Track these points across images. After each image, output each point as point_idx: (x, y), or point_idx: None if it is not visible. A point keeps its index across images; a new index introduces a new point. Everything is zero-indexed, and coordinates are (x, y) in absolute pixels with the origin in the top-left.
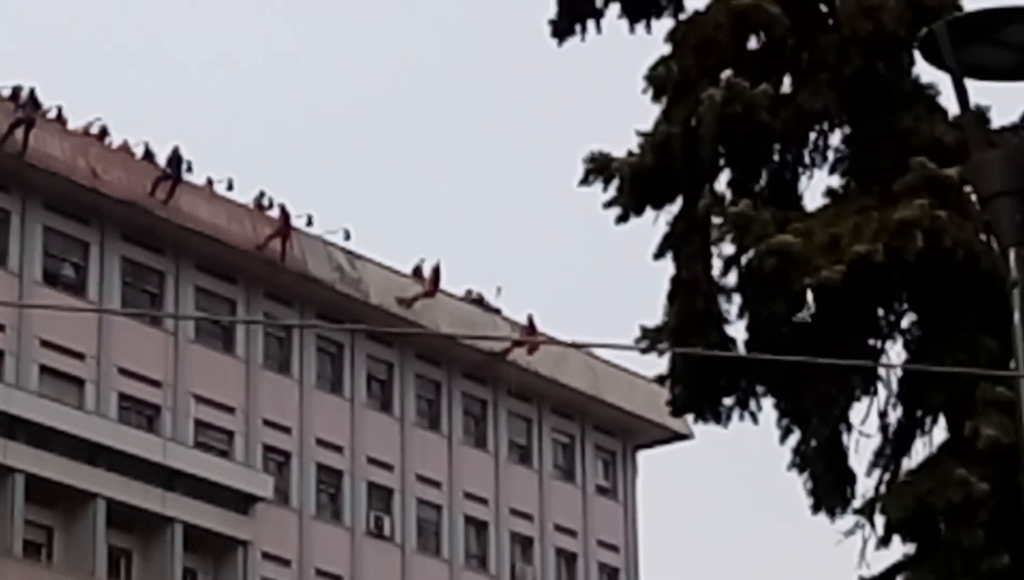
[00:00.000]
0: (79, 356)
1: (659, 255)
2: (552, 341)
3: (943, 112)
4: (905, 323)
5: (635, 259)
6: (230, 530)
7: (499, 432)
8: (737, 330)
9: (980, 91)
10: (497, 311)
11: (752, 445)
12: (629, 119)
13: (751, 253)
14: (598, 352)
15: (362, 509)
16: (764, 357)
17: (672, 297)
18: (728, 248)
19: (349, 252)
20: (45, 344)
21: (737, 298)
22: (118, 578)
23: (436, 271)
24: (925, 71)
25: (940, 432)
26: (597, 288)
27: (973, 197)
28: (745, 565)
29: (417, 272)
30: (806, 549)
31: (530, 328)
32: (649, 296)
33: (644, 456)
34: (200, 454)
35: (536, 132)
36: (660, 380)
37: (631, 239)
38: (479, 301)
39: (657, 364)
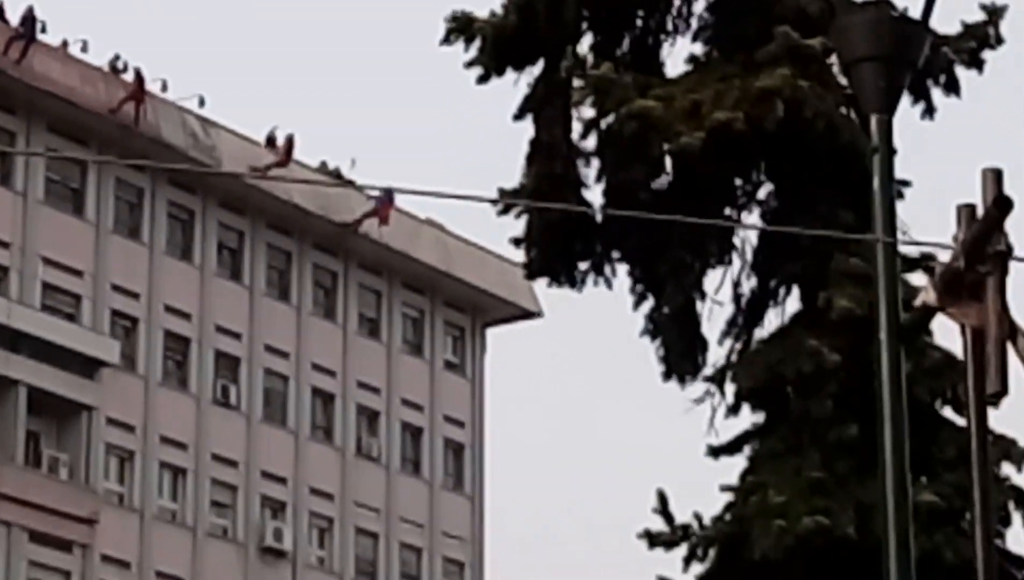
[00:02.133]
0: None
1: (519, 117)
2: (408, 192)
3: None
4: (762, 193)
5: (494, 125)
6: (75, 394)
7: (348, 305)
8: (595, 194)
9: None
10: (351, 182)
11: (601, 323)
12: None
13: (611, 117)
14: (451, 228)
15: (209, 377)
16: (620, 213)
17: (531, 159)
18: (588, 112)
19: (203, 119)
20: None
21: (596, 162)
22: None
23: (290, 141)
24: None
25: (793, 303)
26: (455, 159)
27: (835, 69)
28: (592, 440)
29: (271, 141)
30: (655, 423)
31: (386, 200)
32: (508, 166)
33: (493, 333)
34: (46, 317)
35: None
36: (516, 242)
37: (490, 105)
38: (334, 173)
39: (512, 249)
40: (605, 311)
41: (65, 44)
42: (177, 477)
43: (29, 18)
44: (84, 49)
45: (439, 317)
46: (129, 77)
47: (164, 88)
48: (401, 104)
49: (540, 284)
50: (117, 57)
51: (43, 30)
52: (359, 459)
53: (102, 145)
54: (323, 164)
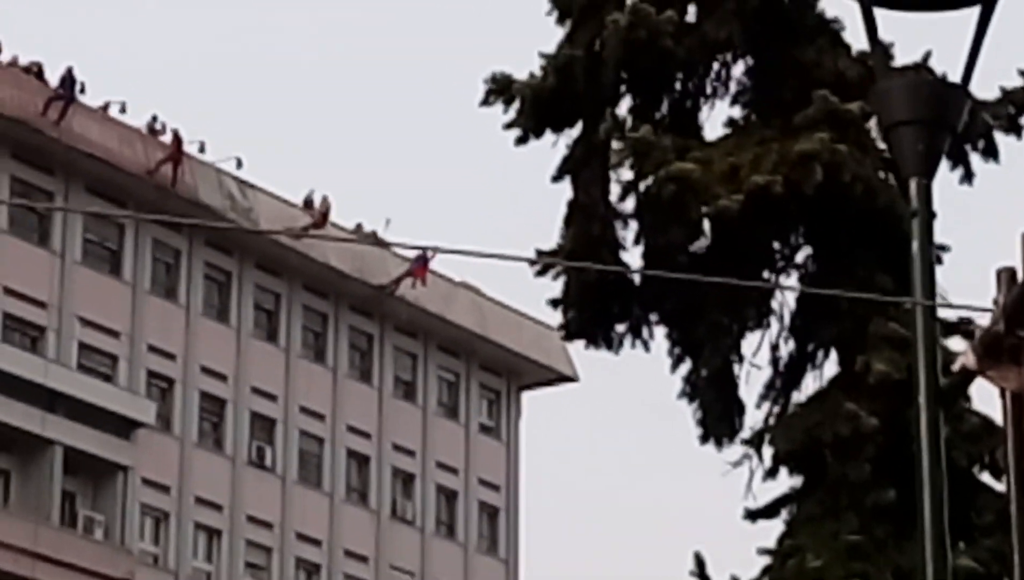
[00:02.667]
0: None
1: (557, 178)
2: (442, 250)
3: (846, 47)
4: (800, 257)
5: (532, 187)
6: (111, 454)
7: (384, 367)
8: (633, 257)
9: (884, 27)
10: (387, 245)
11: (637, 386)
12: (532, 41)
13: (650, 180)
14: (487, 291)
15: (244, 438)
16: (658, 273)
17: (568, 221)
18: (627, 174)
19: (241, 180)
20: None
21: (634, 225)
22: None
23: (326, 202)
24: (830, 4)
25: (831, 366)
26: (492, 220)
27: (874, 133)
28: (628, 503)
29: (308, 203)
30: (692, 486)
31: (422, 261)
32: (545, 229)
33: (528, 397)
34: (83, 377)
35: (436, 56)
36: (553, 304)
37: (529, 166)
38: (370, 236)
39: (548, 309)
40: (642, 374)
41: (105, 105)
42: (212, 538)
43: (68, 79)
44: (123, 110)
45: (475, 380)
46: (167, 139)
47: (202, 149)
48: (438, 165)
49: (576, 347)
50: (155, 119)
51: (82, 91)
52: (394, 522)
53: (139, 206)
54: (359, 226)
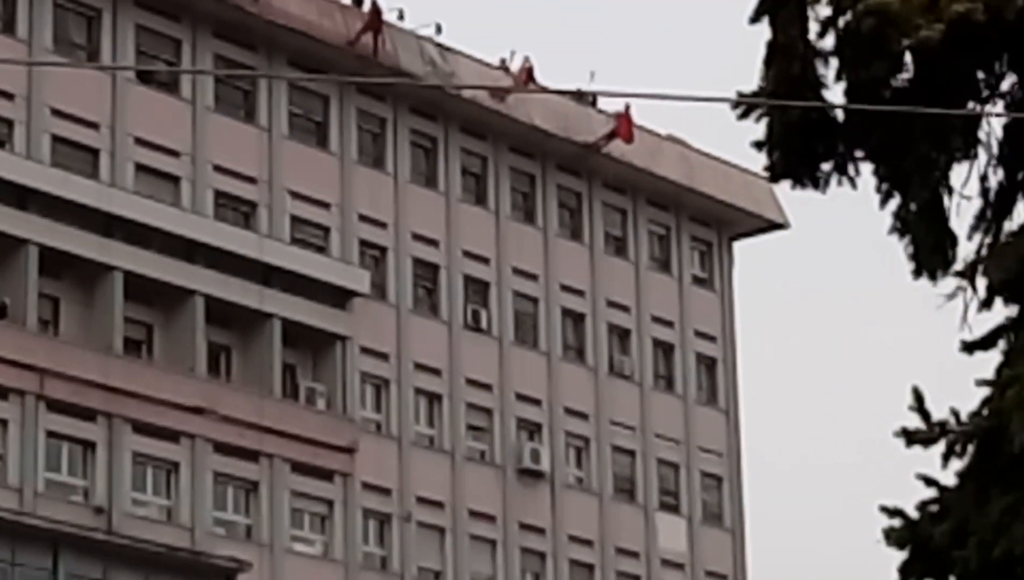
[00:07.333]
0: (174, 153)
1: (755, 19)
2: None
3: None
4: (1006, 85)
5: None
6: (328, 325)
7: (594, 224)
8: (835, 94)
9: None
10: (592, 102)
11: (846, 227)
12: None
13: (848, 15)
14: (693, 143)
15: (459, 303)
16: (862, 108)
17: (768, 62)
18: (824, 10)
19: (441, 45)
20: (140, 142)
21: (834, 62)
22: (217, 374)
23: (528, 63)
24: None
25: None
26: (693, 69)
27: None
28: (843, 344)
29: (506, 65)
30: (906, 322)
31: (626, 116)
32: (746, 72)
33: (740, 246)
34: (296, 250)
35: None
36: (757, 146)
37: (726, 9)
38: (576, 93)
39: (754, 157)
40: (850, 214)
41: None
42: (432, 403)
43: None
44: None
45: (685, 232)
46: (366, 8)
47: (401, 17)
48: (635, 17)
49: (784, 189)
50: None
51: None
52: (612, 378)
53: (342, 77)
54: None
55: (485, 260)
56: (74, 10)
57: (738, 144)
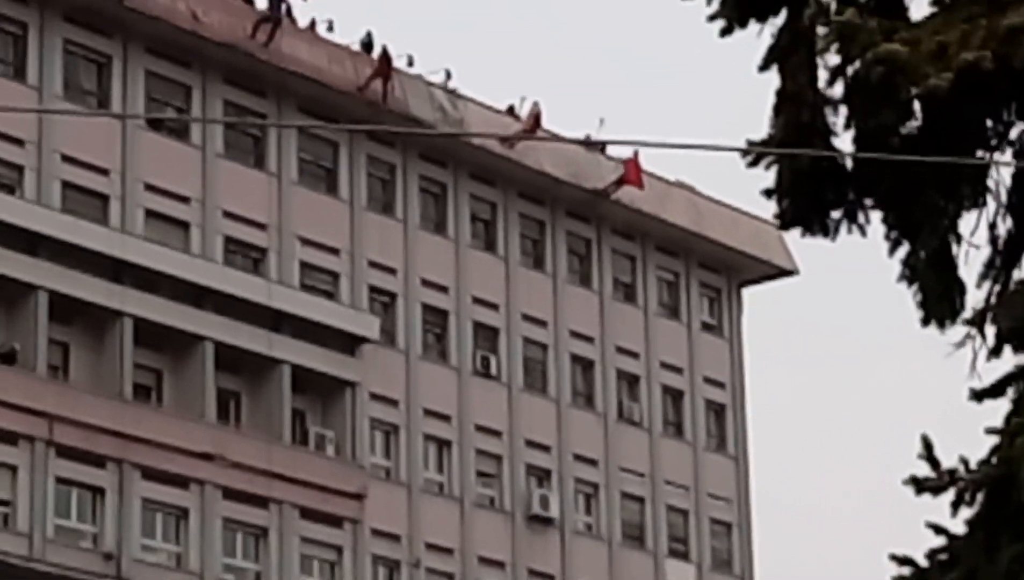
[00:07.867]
0: (184, 199)
1: (764, 68)
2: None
3: None
4: (1014, 134)
5: (739, 79)
6: (337, 371)
7: (603, 270)
8: (844, 142)
9: None
10: (602, 149)
11: (856, 274)
12: None
13: (857, 63)
14: (701, 189)
15: (468, 349)
16: (871, 156)
17: (778, 110)
18: (834, 58)
19: (451, 92)
20: (149, 187)
21: (843, 110)
22: (227, 420)
23: (537, 109)
24: None
25: None
26: (701, 116)
27: None
28: (852, 391)
29: (517, 111)
30: (915, 370)
31: (635, 162)
32: (755, 120)
33: (749, 292)
34: (306, 296)
35: None
36: (767, 194)
37: (734, 58)
38: (583, 139)
39: (763, 204)
40: (859, 261)
41: (312, 24)
42: (442, 449)
43: (275, 1)
44: (330, 28)
45: (694, 279)
46: (375, 54)
47: (410, 63)
48: (644, 64)
49: (793, 237)
50: (369, 35)
51: (288, 12)
52: (621, 424)
53: (352, 123)
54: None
55: (494, 306)
56: (84, 56)
57: (747, 190)
